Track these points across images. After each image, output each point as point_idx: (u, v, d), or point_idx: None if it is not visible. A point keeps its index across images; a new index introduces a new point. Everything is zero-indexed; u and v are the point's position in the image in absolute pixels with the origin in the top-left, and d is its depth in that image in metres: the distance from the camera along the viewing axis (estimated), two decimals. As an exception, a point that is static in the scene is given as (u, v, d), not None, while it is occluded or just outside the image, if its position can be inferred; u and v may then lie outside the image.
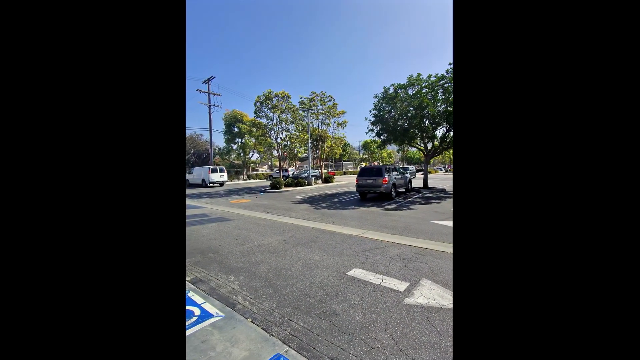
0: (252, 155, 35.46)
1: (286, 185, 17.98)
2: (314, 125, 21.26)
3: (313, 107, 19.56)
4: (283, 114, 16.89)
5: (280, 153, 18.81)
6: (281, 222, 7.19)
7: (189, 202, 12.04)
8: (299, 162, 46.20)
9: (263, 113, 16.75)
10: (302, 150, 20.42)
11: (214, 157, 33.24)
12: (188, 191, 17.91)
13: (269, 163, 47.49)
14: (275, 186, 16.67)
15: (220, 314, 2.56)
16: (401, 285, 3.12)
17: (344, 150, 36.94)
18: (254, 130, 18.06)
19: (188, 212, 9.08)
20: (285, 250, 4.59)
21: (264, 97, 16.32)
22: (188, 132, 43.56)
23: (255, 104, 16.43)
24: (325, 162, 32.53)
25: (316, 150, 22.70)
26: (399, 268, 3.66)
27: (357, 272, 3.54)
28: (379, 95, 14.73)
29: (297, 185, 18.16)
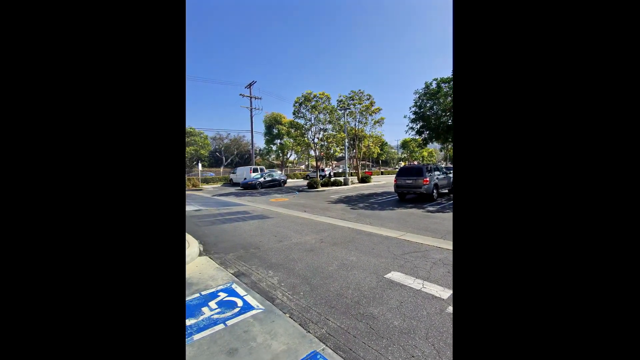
0: (290, 155, 36.50)
1: (323, 185, 18.13)
2: (351, 125, 21.09)
3: (350, 107, 19.41)
4: (321, 114, 17.06)
5: (317, 153, 19.01)
6: (318, 221, 7.27)
7: (232, 199, 12.85)
8: (335, 162, 46.28)
9: (301, 114, 17.12)
10: (339, 150, 20.39)
11: (255, 157, 34.95)
12: (231, 189, 19.11)
13: (306, 163, 48.37)
14: (312, 186, 16.93)
15: (261, 307, 2.68)
16: (444, 293, 2.94)
17: (381, 150, 36.00)
18: (292, 131, 18.55)
19: (231, 209, 9.69)
20: (322, 249, 4.64)
21: (303, 98, 16.67)
22: (232, 135, 46.59)
23: (294, 105, 16.87)
24: (363, 162, 32.04)
25: (353, 150, 22.48)
26: (442, 274, 3.45)
27: (395, 276, 3.42)
28: (420, 90, 14.03)
29: (333, 185, 18.20)
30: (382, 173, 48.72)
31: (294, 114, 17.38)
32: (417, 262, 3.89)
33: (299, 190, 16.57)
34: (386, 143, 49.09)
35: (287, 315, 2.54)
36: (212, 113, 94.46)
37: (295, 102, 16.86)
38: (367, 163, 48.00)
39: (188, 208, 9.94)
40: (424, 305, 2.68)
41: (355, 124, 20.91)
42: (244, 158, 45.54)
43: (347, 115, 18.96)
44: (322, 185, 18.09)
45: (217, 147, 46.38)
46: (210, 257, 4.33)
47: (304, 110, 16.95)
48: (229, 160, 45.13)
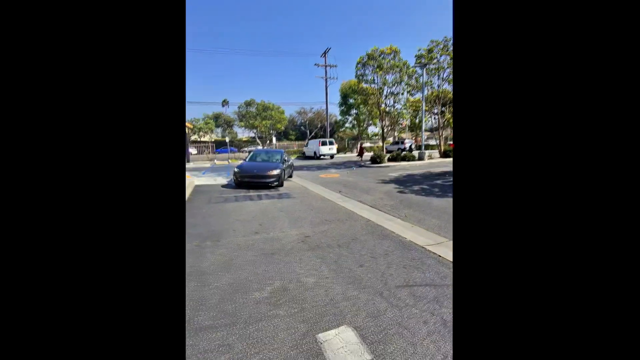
0: (368, 126, 33.73)
1: (391, 160, 15.66)
2: (434, 86, 16.91)
3: (430, 62, 15.23)
4: (388, 75, 14.11)
5: (384, 122, 16.28)
6: (339, 206, 5.77)
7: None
8: (429, 133, 40.01)
9: (366, 77, 14.64)
10: (410, 116, 16.87)
11: (331, 129, 34.07)
12: (299, 162, 18.97)
13: (395, 134, 44.12)
14: (375, 160, 14.78)
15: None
16: None
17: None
18: (357, 97, 16.36)
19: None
20: (289, 253, 3.26)
21: (366, 58, 14.08)
22: (316, 108, 47.09)
23: (356, 67, 14.49)
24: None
25: (443, 118, 18.18)
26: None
27: (337, 344, 1.78)
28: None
29: (403, 159, 15.42)
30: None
31: (357, 77, 15.06)
32: (412, 313, 2.05)
33: (360, 165, 14.78)
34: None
35: None
36: (295, 87, 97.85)
37: (358, 63, 14.41)
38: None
39: (215, 182, 9.79)
40: None
41: (439, 83, 16.58)
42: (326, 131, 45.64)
43: (425, 72, 15.03)
44: (390, 160, 15.63)
45: (302, 121, 48.03)
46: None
47: (368, 72, 14.39)
48: (312, 134, 46.18)
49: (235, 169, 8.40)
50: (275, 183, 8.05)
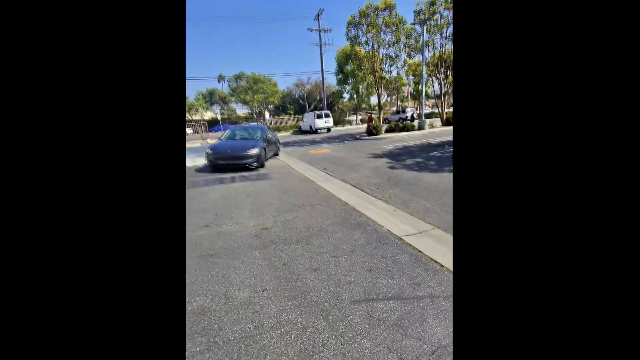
0: (368, 95, 31.82)
1: (388, 131, 14.64)
2: (436, 46, 15.27)
3: (431, 18, 13.48)
4: (383, 35, 12.60)
5: (380, 91, 14.99)
6: (318, 187, 5.12)
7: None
8: (433, 101, 37.75)
9: (359, 39, 13.13)
10: (411, 83, 15.49)
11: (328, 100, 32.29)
12: (293, 138, 18.06)
13: (399, 102, 41.79)
14: (371, 132, 13.78)
15: None
16: None
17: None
18: (351, 63, 14.94)
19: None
20: (232, 254, 2.67)
21: (358, 16, 12.50)
22: (313, 80, 44.56)
23: (347, 28, 12.94)
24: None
25: (446, 82, 16.71)
26: None
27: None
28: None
29: (402, 130, 14.37)
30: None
31: (350, 40, 13.55)
32: (361, 348, 1.46)
33: (355, 138, 13.83)
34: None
35: None
36: (292, 56, 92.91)
37: (349, 23, 12.84)
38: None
39: (194, 163, 9.04)
40: None
41: (441, 42, 14.89)
42: (327, 102, 43.45)
43: (425, 30, 13.37)
44: (388, 131, 14.62)
45: (300, 94, 45.73)
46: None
47: (360, 33, 12.88)
48: (312, 107, 44.08)
49: (208, 150, 7.33)
50: (255, 164, 7.14)
